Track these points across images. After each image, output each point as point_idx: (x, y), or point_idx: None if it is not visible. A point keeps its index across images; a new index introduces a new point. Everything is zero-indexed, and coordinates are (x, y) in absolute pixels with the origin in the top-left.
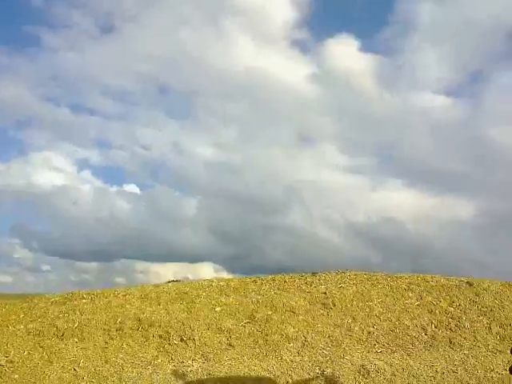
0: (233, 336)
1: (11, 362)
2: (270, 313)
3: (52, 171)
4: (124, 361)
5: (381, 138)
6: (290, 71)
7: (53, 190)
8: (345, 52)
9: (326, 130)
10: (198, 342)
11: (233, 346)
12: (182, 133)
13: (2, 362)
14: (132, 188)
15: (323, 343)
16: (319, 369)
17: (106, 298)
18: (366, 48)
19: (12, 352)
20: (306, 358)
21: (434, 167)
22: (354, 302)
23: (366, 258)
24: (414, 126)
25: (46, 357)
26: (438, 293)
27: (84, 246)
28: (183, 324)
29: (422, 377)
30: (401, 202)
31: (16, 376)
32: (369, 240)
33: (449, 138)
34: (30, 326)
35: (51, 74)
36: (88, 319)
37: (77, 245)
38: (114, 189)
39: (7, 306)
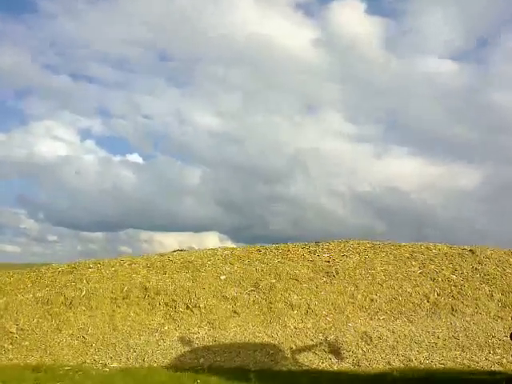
0: (237, 304)
1: (21, 329)
2: (273, 281)
3: (54, 141)
4: (131, 328)
5: (386, 104)
6: (293, 36)
7: (56, 160)
8: (351, 15)
9: (330, 96)
10: (203, 310)
11: (238, 314)
12: (184, 101)
13: (13, 330)
14: (135, 158)
15: (326, 310)
16: (322, 335)
17: (113, 267)
18: (372, 10)
19: (22, 320)
20: (309, 325)
21: (440, 135)
22: (357, 270)
23: (369, 227)
24: (419, 92)
25: (55, 325)
26: (440, 261)
27: (89, 217)
28: (189, 292)
29: (423, 343)
30: (405, 171)
31: (26, 343)
32: (373, 210)
33: (455, 104)
34: (39, 294)
35: (49, 41)
36: (95, 288)
37: (82, 215)
38: (118, 159)
39: (15, 276)
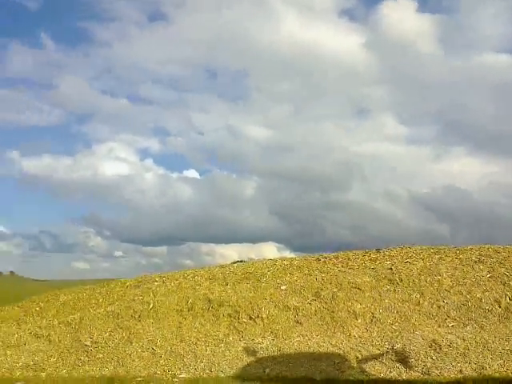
0: (300, 313)
1: (95, 342)
2: (335, 290)
3: (116, 161)
4: (197, 339)
5: (441, 104)
6: (340, 42)
7: (119, 179)
8: (401, 14)
9: (382, 99)
10: (266, 320)
11: (300, 323)
12: (235, 115)
13: (88, 343)
14: (192, 173)
15: (392, 319)
16: (389, 344)
17: (177, 280)
18: (423, 8)
19: (95, 333)
20: (374, 334)
21: (499, 131)
22: (422, 277)
23: (431, 230)
24: (475, 88)
25: (126, 337)
26: (511, 264)
27: (152, 232)
28: (251, 303)
29: (497, 350)
30: (465, 171)
31: (100, 355)
32: (434, 212)
33: None
34: (109, 308)
35: (105, 67)
36: (161, 301)
37: (145, 231)
38: (175, 175)
39: (87, 292)
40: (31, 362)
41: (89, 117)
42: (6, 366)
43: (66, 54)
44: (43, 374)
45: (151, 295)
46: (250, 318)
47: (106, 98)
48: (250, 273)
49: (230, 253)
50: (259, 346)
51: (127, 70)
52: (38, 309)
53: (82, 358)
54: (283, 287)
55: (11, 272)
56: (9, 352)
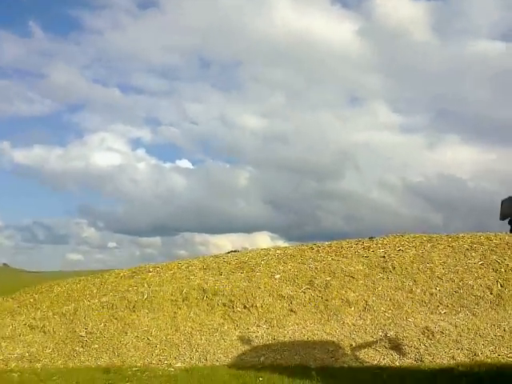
0: (294, 302)
1: (90, 333)
2: (328, 278)
3: (108, 151)
4: (192, 329)
5: (435, 91)
6: (333, 29)
7: (111, 169)
8: (394, 1)
9: (376, 87)
10: (260, 309)
11: (294, 312)
12: (229, 104)
13: (83, 334)
14: (185, 163)
15: (385, 306)
16: (382, 331)
17: (171, 270)
18: None
19: (90, 324)
20: (368, 322)
21: (493, 119)
22: (415, 265)
23: (426, 219)
24: (470, 76)
25: (121, 327)
26: (502, 251)
27: (145, 223)
28: (245, 292)
29: (489, 336)
30: (460, 159)
31: (96, 346)
32: (428, 201)
33: (507, 86)
34: (104, 299)
35: (96, 56)
36: (156, 291)
37: (139, 221)
38: (168, 165)
39: (81, 283)
40: (26, 354)
41: (80, 106)
42: (1, 358)
43: (56, 42)
44: (39, 365)
45: (145, 286)
46: (245, 308)
47: (98, 87)
48: (244, 262)
49: (224, 243)
50: (254, 334)
51: (119, 58)
52: (32, 300)
53: (77, 348)
54: (277, 276)
55: (4, 264)
56: (4, 344)
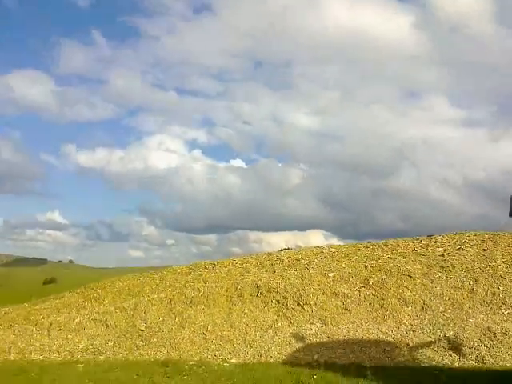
0: (348, 300)
1: (149, 327)
2: (384, 277)
3: (166, 153)
4: (247, 325)
5: (497, 83)
6: (388, 23)
7: (169, 170)
8: None
9: (433, 81)
10: (314, 307)
11: (349, 310)
12: (282, 103)
13: (142, 328)
14: (238, 163)
15: (443, 306)
16: (441, 332)
17: (226, 267)
18: None
19: (149, 319)
20: (425, 321)
21: None
22: (476, 264)
23: (490, 217)
24: None
25: (179, 322)
26: None
27: (201, 221)
28: (298, 289)
29: None
30: None
31: (155, 340)
32: (491, 198)
33: None
34: (162, 295)
35: (154, 61)
36: (212, 287)
37: (195, 219)
38: (223, 165)
39: (141, 279)
40: (90, 346)
41: (139, 110)
42: (67, 349)
43: (116, 49)
44: (101, 358)
45: (202, 282)
46: (298, 305)
47: (156, 90)
48: (298, 260)
49: (277, 240)
50: (307, 332)
51: (175, 63)
52: (95, 295)
53: (137, 342)
54: (331, 274)
55: (70, 261)
56: (70, 336)
